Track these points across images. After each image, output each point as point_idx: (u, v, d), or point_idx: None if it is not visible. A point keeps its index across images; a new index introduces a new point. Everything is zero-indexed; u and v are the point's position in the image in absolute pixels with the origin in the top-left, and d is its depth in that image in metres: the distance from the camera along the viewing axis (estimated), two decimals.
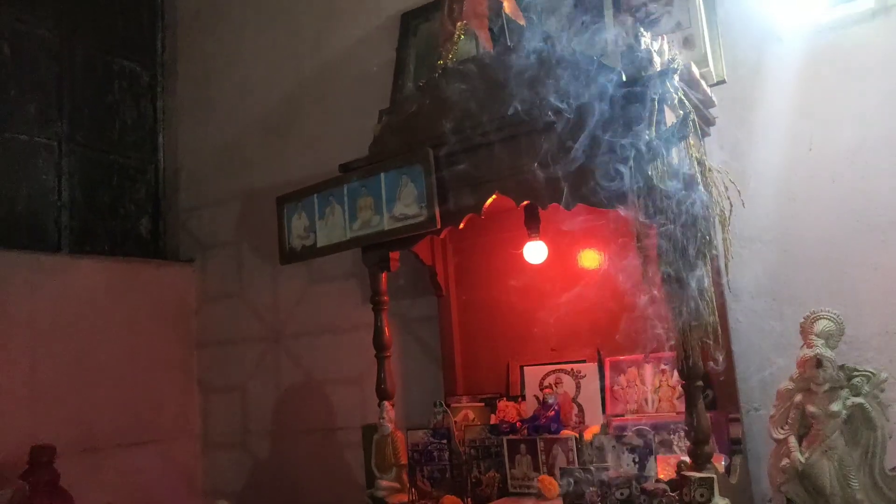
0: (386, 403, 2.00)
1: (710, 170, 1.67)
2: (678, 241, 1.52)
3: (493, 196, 1.87)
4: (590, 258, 2.18)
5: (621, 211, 1.61)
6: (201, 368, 3.08)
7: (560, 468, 1.73)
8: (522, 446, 1.92)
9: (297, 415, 2.81)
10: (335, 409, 2.72)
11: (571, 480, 1.62)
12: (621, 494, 1.51)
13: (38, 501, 2.08)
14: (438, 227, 1.91)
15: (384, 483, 1.90)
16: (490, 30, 1.94)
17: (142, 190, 3.22)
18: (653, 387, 1.99)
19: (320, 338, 2.80)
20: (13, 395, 2.36)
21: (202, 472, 3.00)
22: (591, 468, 1.65)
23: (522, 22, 1.97)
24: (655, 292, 1.58)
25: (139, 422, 2.78)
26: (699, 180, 1.59)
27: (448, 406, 2.15)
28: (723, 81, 1.99)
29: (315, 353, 2.81)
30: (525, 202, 1.87)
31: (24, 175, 2.76)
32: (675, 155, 1.58)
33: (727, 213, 1.67)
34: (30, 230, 2.76)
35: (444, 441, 2.01)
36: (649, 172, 1.55)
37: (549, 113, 1.69)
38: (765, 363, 1.96)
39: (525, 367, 2.19)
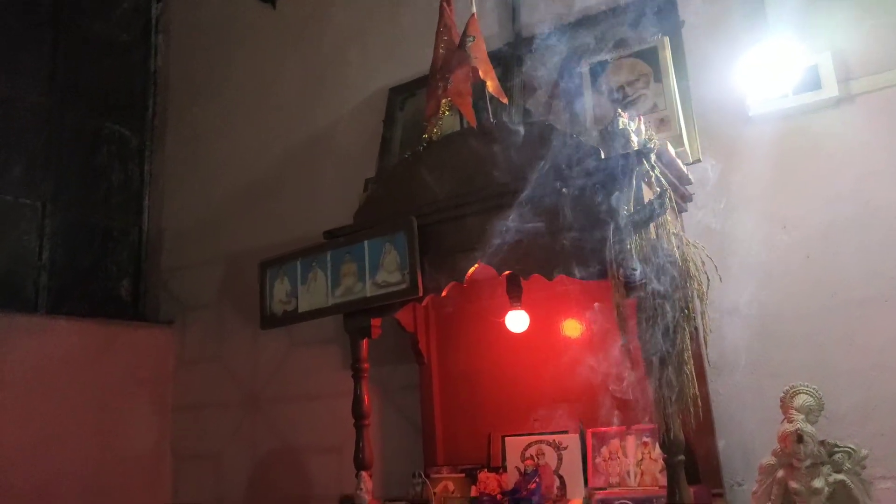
0: (364, 474, 1.96)
1: (687, 244, 1.71)
2: (657, 314, 1.55)
3: (475, 265, 1.89)
4: (572, 328, 2.20)
5: (603, 282, 1.64)
6: (175, 433, 3.00)
7: None
8: None
9: (272, 483, 2.73)
10: (312, 478, 2.65)
11: None
12: None
13: None
14: (420, 294, 1.93)
15: None
16: (474, 105, 2.01)
17: (124, 252, 3.21)
18: (635, 459, 1.97)
19: (299, 404, 2.76)
20: None
21: None
22: None
23: (505, 100, 2.05)
24: (637, 364, 1.60)
25: (107, 489, 2.69)
26: (677, 255, 1.63)
27: (428, 477, 2.12)
28: (698, 160, 2.06)
29: (293, 419, 2.76)
30: (507, 272, 1.90)
31: (5, 235, 2.75)
32: (654, 230, 1.62)
33: (705, 288, 1.70)
34: (7, 290, 2.73)
35: None
36: (628, 247, 1.59)
37: (530, 187, 1.74)
38: (746, 437, 1.96)
39: (507, 438, 2.16)
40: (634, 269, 1.56)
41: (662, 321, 1.55)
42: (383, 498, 2.04)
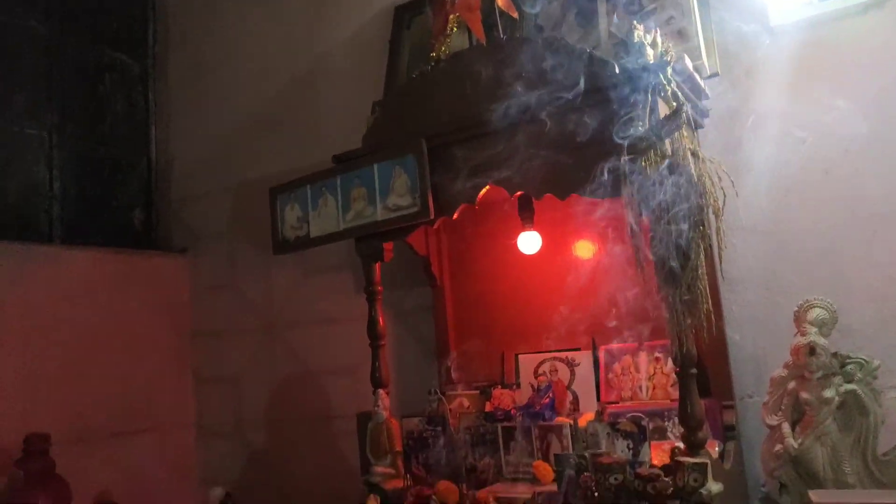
0: (380, 391, 2.01)
1: (703, 161, 1.68)
2: (672, 230, 1.54)
3: (487, 187, 1.88)
4: (584, 248, 2.19)
5: (616, 200, 1.63)
6: (196, 358, 3.08)
7: (555, 454, 1.75)
8: (517, 433, 1.94)
9: (291, 404, 2.82)
10: (330, 398, 2.73)
11: (566, 466, 1.64)
12: (615, 479, 1.53)
13: (32, 489, 2.08)
14: (432, 217, 1.92)
15: (379, 469, 1.91)
16: (483, 22, 1.94)
17: (134, 182, 3.20)
18: (647, 374, 2.01)
19: (314, 328, 2.80)
20: (6, 383, 2.36)
21: (197, 461, 3.01)
22: (586, 454, 1.66)
23: (515, 15, 1.98)
24: (649, 281, 1.60)
25: (134, 411, 2.78)
26: (692, 171, 1.60)
27: (443, 394, 2.17)
28: (716, 74, 2.00)
29: (309, 343, 2.81)
30: (519, 192, 1.88)
31: (13, 165, 2.74)
32: (669, 146, 1.59)
33: (720, 204, 1.68)
34: (21, 222, 2.74)
35: (439, 428, 2.02)
36: (643, 163, 1.56)
37: (543, 104, 1.70)
38: (759, 351, 1.98)
39: (520, 356, 2.20)
40: (649, 186, 1.53)
41: (676, 238, 1.54)
42: (400, 414, 2.10)
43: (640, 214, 1.57)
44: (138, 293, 2.90)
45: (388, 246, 2.10)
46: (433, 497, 1.74)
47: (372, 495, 1.85)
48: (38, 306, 2.53)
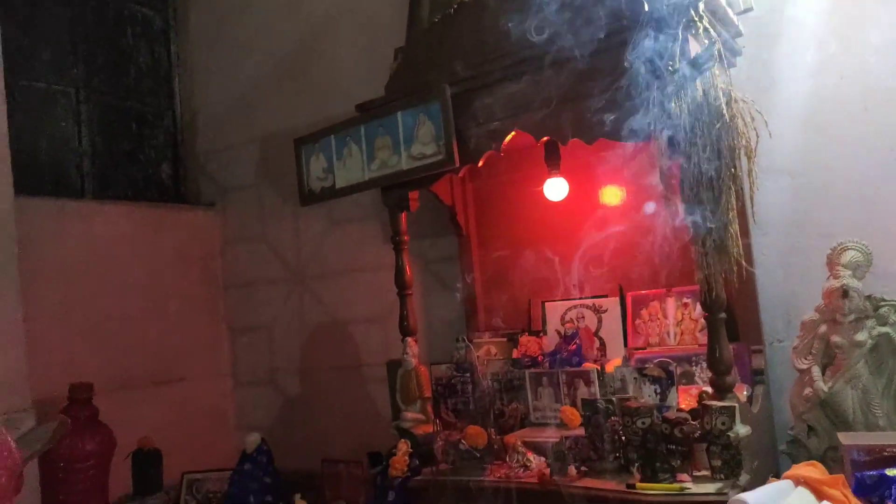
0: (409, 339, 2.04)
1: (735, 100, 1.62)
2: (702, 173, 1.50)
3: (512, 133, 1.85)
4: (611, 194, 2.16)
5: (644, 144, 1.59)
6: (228, 309, 3.14)
7: (582, 399, 1.76)
8: (545, 379, 1.96)
9: (322, 353, 2.87)
10: (359, 346, 2.77)
11: (594, 410, 1.65)
12: (643, 423, 1.54)
13: (78, 435, 2.17)
14: (457, 165, 1.90)
15: (409, 415, 1.95)
16: None
17: (160, 136, 3.22)
18: (675, 320, 1.99)
19: (343, 278, 2.83)
20: (49, 336, 2.44)
21: (233, 409, 3.11)
22: (613, 399, 1.68)
23: None
24: (678, 226, 1.57)
25: (171, 361, 2.87)
26: (725, 111, 1.55)
27: (470, 342, 2.19)
28: (750, 9, 1.91)
29: (338, 293, 2.84)
30: (545, 138, 1.85)
31: (43, 122, 2.77)
32: (700, 86, 1.54)
33: (753, 145, 1.64)
34: (53, 177, 2.79)
35: (467, 375, 2.04)
36: (673, 104, 1.52)
37: (570, 46, 1.65)
38: (789, 296, 1.95)
39: (546, 303, 2.20)
40: (679, 127, 1.49)
41: (707, 181, 1.51)
42: (428, 362, 2.13)
43: (670, 157, 1.53)
44: (170, 246, 2.95)
45: (413, 195, 2.09)
46: (462, 441, 1.77)
47: (403, 440, 1.89)
48: (74, 260, 2.59)
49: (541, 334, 2.17)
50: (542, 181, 2.17)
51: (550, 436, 1.81)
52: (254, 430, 2.57)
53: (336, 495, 2.20)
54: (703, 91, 1.54)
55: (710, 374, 1.58)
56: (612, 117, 1.62)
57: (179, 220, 3.03)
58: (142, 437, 2.30)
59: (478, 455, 1.76)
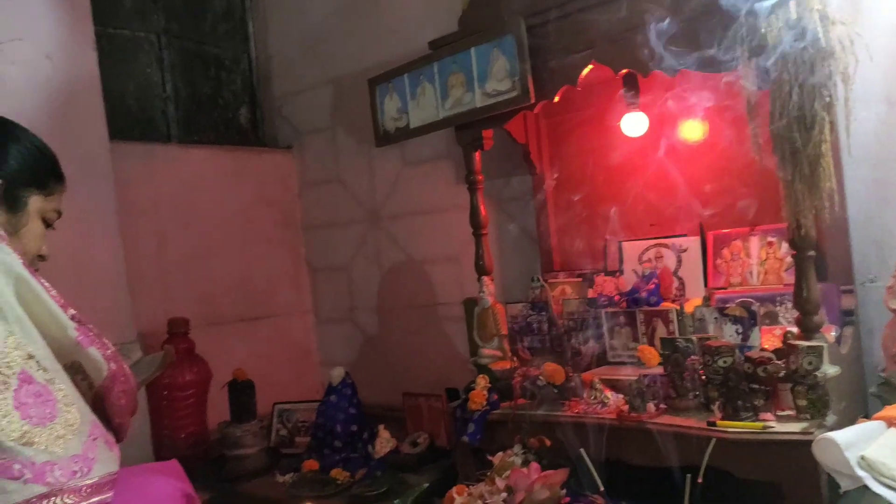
0: (485, 278, 2.06)
1: (833, 23, 1.51)
2: (794, 102, 1.42)
3: (590, 66, 1.80)
4: (693, 128, 2.08)
5: (730, 73, 1.52)
6: (308, 250, 3.25)
7: (661, 338, 1.75)
8: (622, 318, 1.95)
9: (399, 292, 2.95)
10: (434, 286, 2.83)
11: (673, 349, 1.64)
12: (724, 362, 1.52)
13: (178, 366, 2.34)
14: (532, 101, 1.87)
15: (487, 351, 1.99)
16: None
17: (238, 80, 3.29)
18: (759, 259, 1.93)
19: (417, 218, 2.87)
20: (146, 274, 2.60)
21: (315, 345, 3.25)
22: (693, 338, 1.66)
23: None
24: (766, 159, 1.51)
25: (256, 299, 3.01)
26: (820, 35, 1.45)
27: (545, 282, 2.19)
28: None
29: (412, 233, 2.89)
30: (624, 70, 1.78)
31: (130, 69, 2.88)
32: (793, 7, 1.44)
33: (850, 71, 1.53)
34: (141, 122, 2.91)
35: (543, 314, 2.06)
36: (763, 29, 1.43)
37: None
38: (885, 233, 1.85)
39: (623, 243, 2.17)
40: (769, 54, 1.41)
41: (799, 110, 1.42)
42: (504, 301, 2.15)
43: (759, 86, 1.46)
44: (250, 189, 3.05)
45: (487, 134, 2.08)
46: (540, 377, 1.80)
47: (481, 375, 1.94)
48: (164, 202, 2.73)
49: (617, 274, 2.15)
50: (620, 116, 2.10)
51: (628, 374, 1.81)
52: (336, 366, 2.68)
53: (417, 426, 2.29)
54: (798, 13, 1.44)
55: (795, 315, 1.54)
56: (695, 46, 1.54)
57: (259, 164, 3.12)
58: (236, 369, 2.46)
59: (556, 391, 1.79)
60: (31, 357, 1.14)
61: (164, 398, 2.37)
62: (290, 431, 2.61)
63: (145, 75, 2.93)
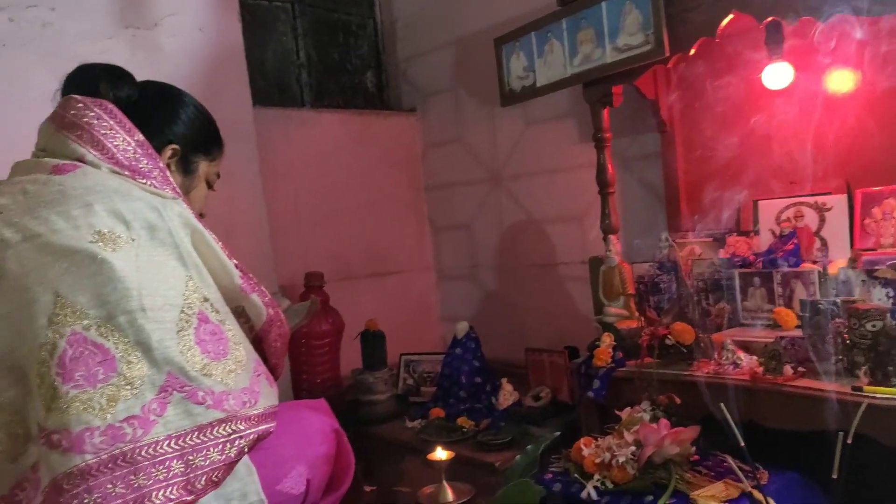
0: (611, 237, 2.06)
1: None
2: None
3: (731, 15, 1.72)
4: (842, 78, 1.94)
5: (886, 18, 1.40)
6: (430, 209, 3.35)
7: (801, 300, 1.68)
8: (756, 279, 1.89)
9: (519, 251, 2.99)
10: (555, 245, 2.84)
11: (815, 311, 1.58)
12: (873, 326, 1.45)
13: (315, 315, 2.50)
14: (666, 55, 1.82)
15: (613, 310, 2.00)
16: None
17: (364, 44, 3.40)
18: None
19: (538, 178, 2.88)
20: (286, 231, 2.79)
21: (437, 301, 3.37)
22: (837, 300, 1.58)
23: None
24: None
25: (382, 256, 3.16)
26: None
27: (673, 241, 2.15)
28: None
29: (534, 192, 2.90)
30: (769, 18, 1.69)
31: (268, 38, 3.05)
32: None
33: None
34: (278, 88, 3.08)
35: (671, 273, 2.03)
36: None
37: None
38: None
39: (759, 202, 2.08)
40: None
41: None
42: (630, 260, 2.13)
43: None
44: (377, 151, 3.17)
45: (616, 90, 2.04)
46: (669, 336, 1.79)
47: (606, 333, 1.95)
48: (298, 164, 2.89)
49: (751, 234, 2.07)
50: (760, 68, 2.00)
51: (760, 336, 1.76)
52: (457, 321, 2.77)
53: (539, 381, 2.34)
54: None
55: None
56: None
57: (384, 127, 3.23)
58: (368, 320, 2.61)
59: (684, 351, 1.78)
60: (206, 300, 1.27)
61: (302, 346, 2.56)
62: (416, 381, 2.75)
63: (281, 43, 3.09)
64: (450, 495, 1.75)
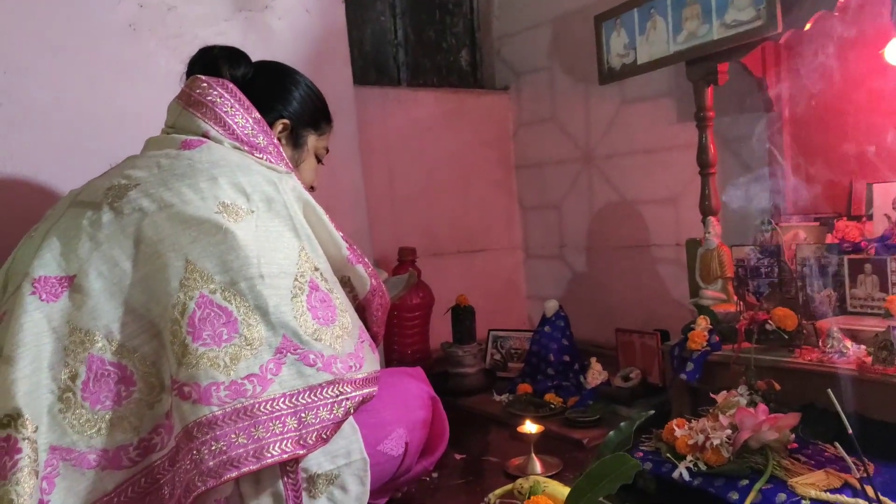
0: (711, 219, 2.01)
1: None
2: None
3: None
4: None
5: None
6: (520, 188, 3.36)
7: None
8: (867, 266, 1.80)
9: (609, 232, 2.95)
10: (648, 227, 2.79)
11: None
12: None
13: (410, 289, 2.58)
14: (779, 31, 1.75)
15: (710, 293, 1.96)
16: None
17: (459, 23, 3.41)
18: None
19: (633, 158, 2.83)
20: (381, 206, 2.88)
21: (524, 279, 3.39)
22: None
23: None
24: None
25: (472, 233, 3.20)
26: None
27: (776, 225, 2.08)
28: None
29: (627, 173, 2.86)
30: None
31: (368, 17, 3.12)
32: None
33: None
34: (377, 68, 3.16)
35: (773, 258, 1.97)
36: None
37: None
38: None
39: (874, 185, 1.98)
40: None
41: None
42: (729, 243, 2.08)
43: None
44: (469, 129, 3.20)
45: (722, 67, 1.98)
46: (769, 322, 1.74)
47: (702, 316, 1.92)
48: (394, 141, 2.97)
49: (863, 219, 1.97)
50: (882, 43, 1.88)
51: (870, 325, 1.69)
52: (546, 299, 2.79)
53: (629, 362, 2.33)
54: None
55: None
56: None
57: (477, 105, 3.25)
58: (459, 295, 2.66)
59: (785, 337, 1.73)
60: (316, 269, 1.35)
61: (394, 318, 2.65)
62: (504, 357, 2.79)
63: (379, 22, 3.15)
64: (539, 467, 1.79)
